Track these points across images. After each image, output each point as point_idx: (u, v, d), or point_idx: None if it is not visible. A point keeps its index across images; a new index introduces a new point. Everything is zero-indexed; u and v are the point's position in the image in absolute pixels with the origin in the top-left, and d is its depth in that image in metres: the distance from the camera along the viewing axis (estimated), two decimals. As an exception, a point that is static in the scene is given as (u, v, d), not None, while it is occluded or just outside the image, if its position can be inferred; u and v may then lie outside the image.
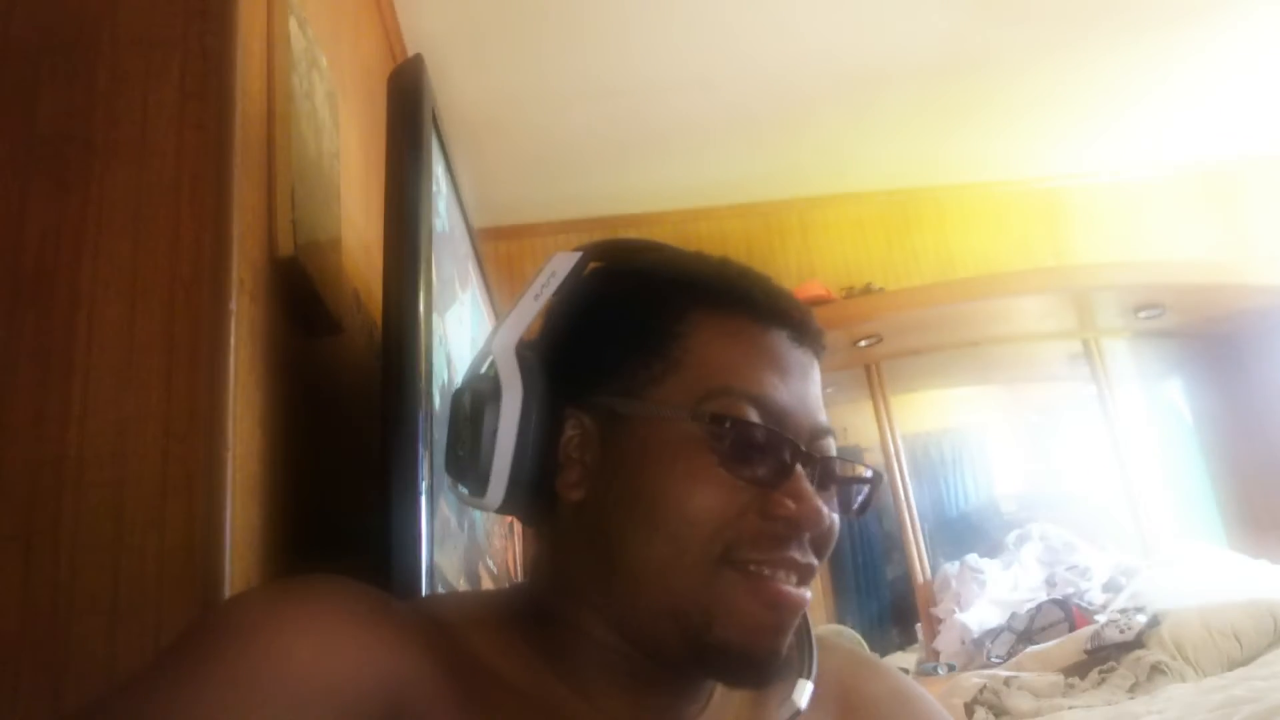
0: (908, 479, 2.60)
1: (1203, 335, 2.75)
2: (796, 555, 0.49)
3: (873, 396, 2.68)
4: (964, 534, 2.68)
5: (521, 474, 0.51)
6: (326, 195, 0.93)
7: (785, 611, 0.48)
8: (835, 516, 0.52)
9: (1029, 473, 2.97)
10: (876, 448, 2.68)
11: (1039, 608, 2.16)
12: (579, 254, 0.55)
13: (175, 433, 0.64)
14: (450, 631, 0.50)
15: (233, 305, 0.67)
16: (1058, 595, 2.21)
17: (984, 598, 2.36)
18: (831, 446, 0.53)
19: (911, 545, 2.55)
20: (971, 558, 2.47)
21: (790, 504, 0.48)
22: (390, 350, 0.72)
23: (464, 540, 0.93)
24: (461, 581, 0.89)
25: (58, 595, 0.60)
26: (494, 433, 0.51)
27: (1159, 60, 2.34)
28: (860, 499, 0.55)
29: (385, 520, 0.68)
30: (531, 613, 0.53)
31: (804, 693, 0.50)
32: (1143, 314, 2.59)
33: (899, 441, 2.63)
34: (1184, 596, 1.90)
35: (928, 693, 0.62)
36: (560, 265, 0.55)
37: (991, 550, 2.53)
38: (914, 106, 2.41)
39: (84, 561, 0.61)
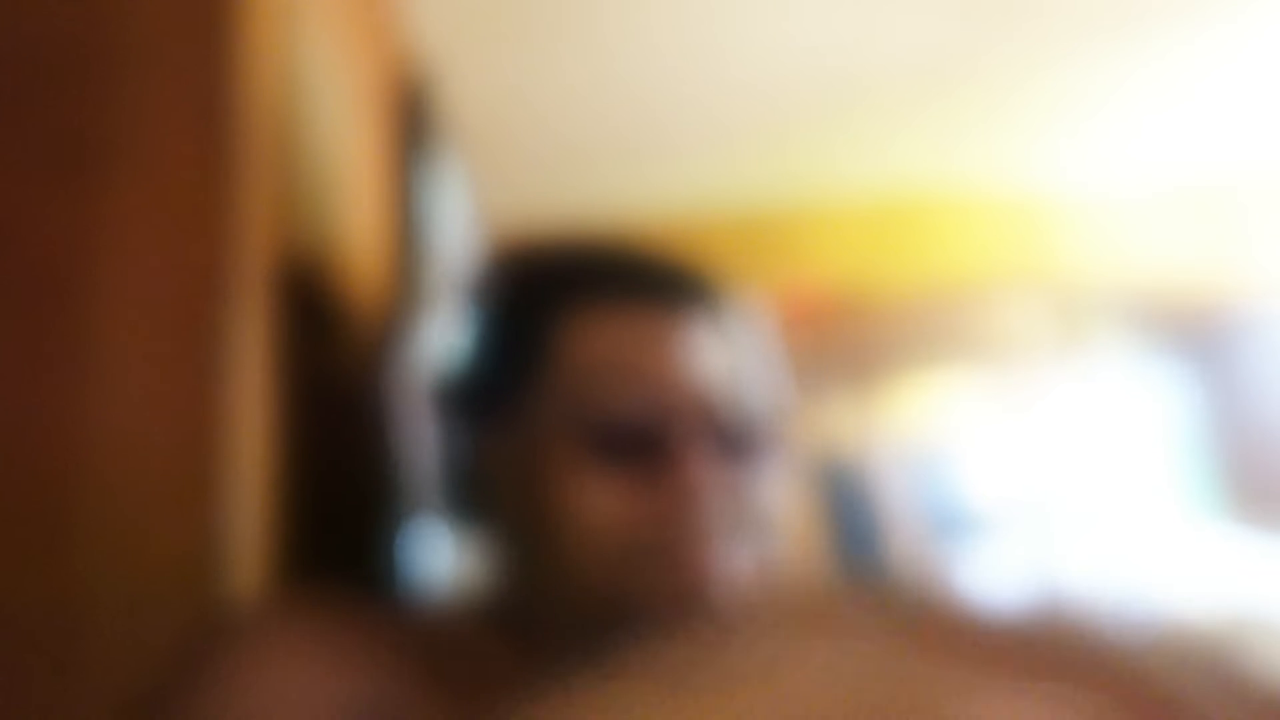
0: (901, 478, 2.62)
1: (1194, 337, 2.77)
2: (701, 529, 0.48)
3: (866, 397, 2.69)
4: (957, 531, 2.69)
5: (455, 494, 0.53)
6: (332, 198, 0.94)
7: (701, 593, 0.48)
8: (757, 483, 0.52)
9: (1022, 471, 2.98)
10: (870, 447, 2.69)
11: (1030, 604, 2.18)
12: (477, 279, 0.56)
13: (177, 433, 0.65)
14: (433, 634, 0.52)
15: (235, 307, 0.68)
16: (1048, 591, 2.23)
17: (976, 594, 2.37)
18: (736, 411, 0.52)
19: (905, 543, 2.56)
20: (964, 554, 2.48)
21: (677, 490, 0.48)
22: (392, 351, 0.73)
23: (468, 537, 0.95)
24: (467, 579, 0.91)
25: (61, 594, 0.61)
26: (416, 466, 0.53)
27: (1154, 67, 2.35)
28: (770, 456, 0.54)
29: (386, 519, 0.70)
30: (502, 611, 0.54)
31: None
32: (1135, 315, 2.61)
33: (892, 441, 2.65)
34: (1177, 591, 1.91)
35: None
36: (464, 292, 0.56)
37: (984, 546, 2.54)
38: (906, 113, 2.43)
39: (89, 563, 0.62)
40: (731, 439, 0.52)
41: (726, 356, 0.53)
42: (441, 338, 0.55)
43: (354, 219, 1.07)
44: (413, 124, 0.81)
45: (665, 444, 0.49)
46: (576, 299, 0.52)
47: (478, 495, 0.53)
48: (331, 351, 0.93)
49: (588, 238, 0.59)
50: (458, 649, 0.52)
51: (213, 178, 0.70)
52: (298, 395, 0.80)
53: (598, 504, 0.48)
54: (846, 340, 2.55)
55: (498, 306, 0.55)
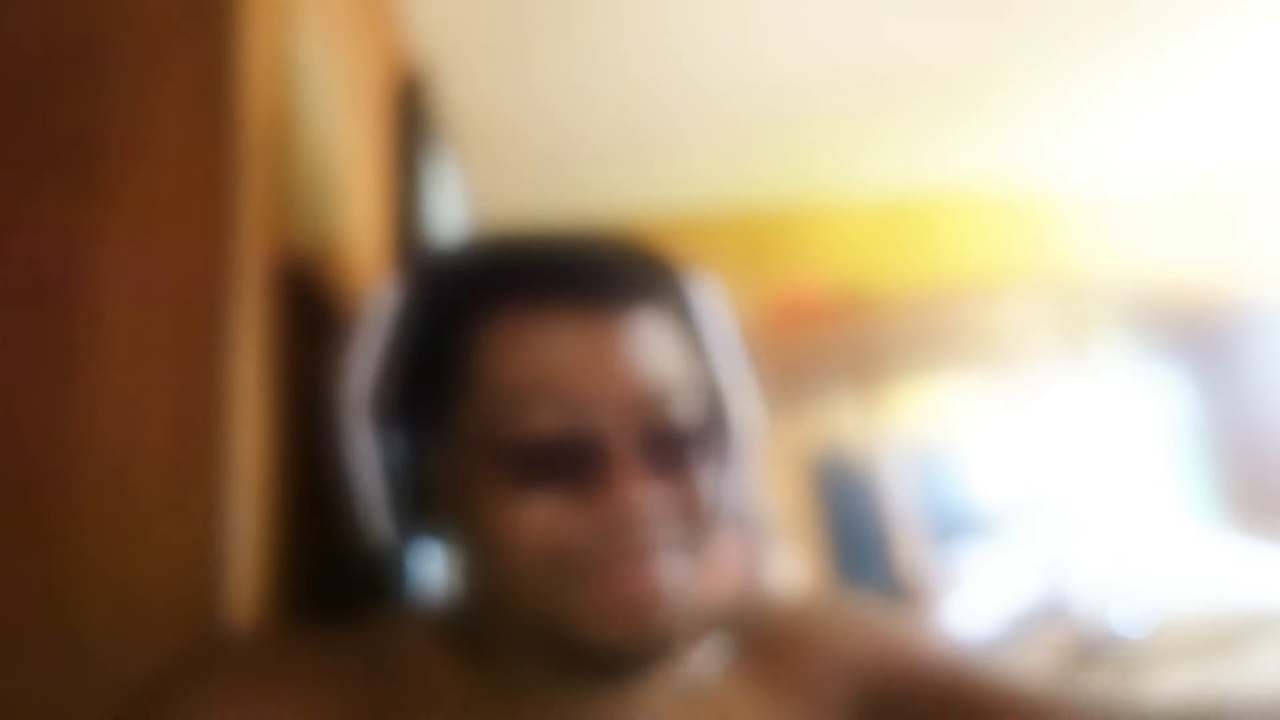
0: (902, 479, 2.62)
1: (1196, 338, 2.76)
2: (638, 542, 0.46)
3: (868, 397, 2.69)
4: (958, 533, 2.69)
5: (399, 515, 0.51)
6: (331, 197, 0.94)
7: (641, 606, 0.46)
8: (702, 483, 0.50)
9: (1024, 472, 2.98)
10: (872, 447, 2.69)
11: (1034, 606, 2.17)
12: (396, 287, 0.54)
13: (177, 432, 0.65)
14: (393, 647, 0.51)
15: (235, 307, 0.67)
16: (1052, 594, 2.22)
17: (978, 596, 2.37)
18: (669, 406, 0.49)
19: (906, 544, 2.56)
20: (966, 556, 2.48)
21: (605, 501, 0.46)
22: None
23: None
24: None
25: (60, 594, 0.61)
26: (360, 481, 0.51)
27: (1155, 69, 2.35)
28: (724, 451, 0.52)
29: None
30: (458, 624, 0.54)
31: (706, 657, 0.51)
32: (1136, 316, 2.60)
33: (894, 441, 2.64)
34: (1178, 591, 1.91)
35: (855, 607, 0.62)
36: (383, 303, 0.53)
37: (985, 549, 2.54)
38: (910, 112, 2.43)
39: (85, 563, 0.62)
40: (672, 441, 0.49)
41: (662, 352, 0.50)
42: (368, 347, 0.53)
43: (352, 217, 1.07)
44: (411, 122, 0.81)
45: (594, 456, 0.46)
46: (491, 308, 0.49)
47: (422, 508, 0.52)
48: (330, 351, 0.93)
49: (510, 236, 0.55)
50: (421, 661, 0.51)
51: (211, 177, 0.70)
52: (296, 395, 0.80)
53: (526, 523, 0.46)
54: (848, 340, 2.55)
55: (417, 316, 0.53)
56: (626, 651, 0.46)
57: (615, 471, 0.46)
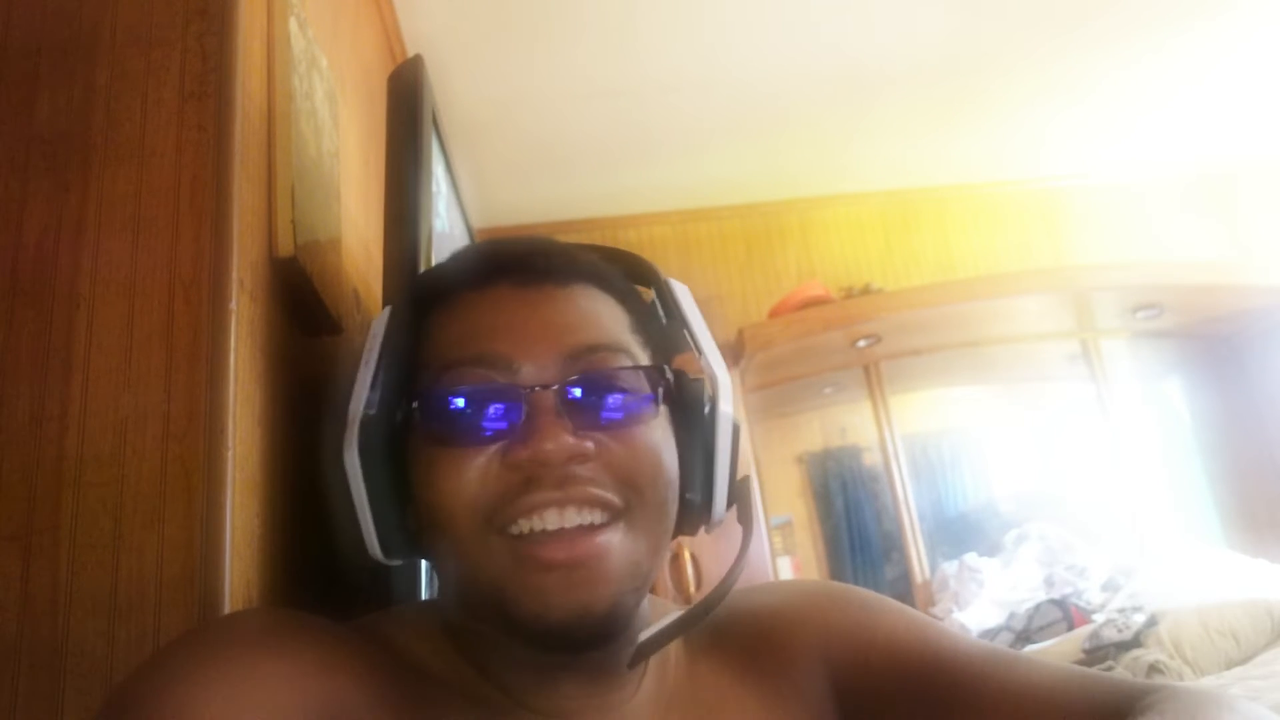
0: (906, 479, 2.61)
1: (1200, 335, 2.75)
2: (556, 495, 0.46)
3: (871, 397, 2.69)
4: (963, 533, 2.68)
5: (390, 523, 0.51)
6: (326, 195, 0.93)
7: (567, 569, 0.46)
8: (642, 446, 0.49)
9: (1028, 472, 2.97)
10: (875, 447, 2.69)
11: (1037, 607, 2.17)
12: (389, 308, 0.56)
13: (174, 432, 0.63)
14: (390, 644, 0.51)
15: (232, 305, 0.66)
16: (1056, 595, 2.21)
17: (982, 597, 2.36)
18: (600, 369, 0.50)
19: (910, 545, 2.55)
20: (970, 557, 2.47)
21: (522, 447, 0.46)
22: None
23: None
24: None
25: (57, 595, 0.60)
26: (352, 497, 0.51)
27: (1157, 61, 2.34)
28: (643, 399, 0.51)
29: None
30: (448, 623, 0.54)
31: (647, 632, 0.49)
32: (1141, 314, 2.60)
33: (898, 441, 2.64)
34: (1182, 596, 1.90)
35: (833, 591, 0.61)
36: (378, 325, 0.55)
37: (990, 550, 2.53)
38: (913, 107, 2.42)
39: (83, 561, 0.61)
40: (604, 403, 0.50)
41: (599, 321, 0.52)
42: (360, 387, 0.54)
43: (348, 211, 1.06)
44: (408, 120, 0.80)
45: (516, 411, 0.48)
46: (447, 298, 0.53)
47: (409, 530, 0.52)
48: (327, 351, 0.92)
49: (490, 239, 0.59)
50: (417, 658, 0.51)
51: (203, 171, 0.69)
52: (293, 394, 0.79)
53: (455, 479, 0.47)
54: (853, 337, 2.54)
55: (395, 330, 0.55)
56: (569, 630, 0.46)
57: (534, 423, 0.47)
